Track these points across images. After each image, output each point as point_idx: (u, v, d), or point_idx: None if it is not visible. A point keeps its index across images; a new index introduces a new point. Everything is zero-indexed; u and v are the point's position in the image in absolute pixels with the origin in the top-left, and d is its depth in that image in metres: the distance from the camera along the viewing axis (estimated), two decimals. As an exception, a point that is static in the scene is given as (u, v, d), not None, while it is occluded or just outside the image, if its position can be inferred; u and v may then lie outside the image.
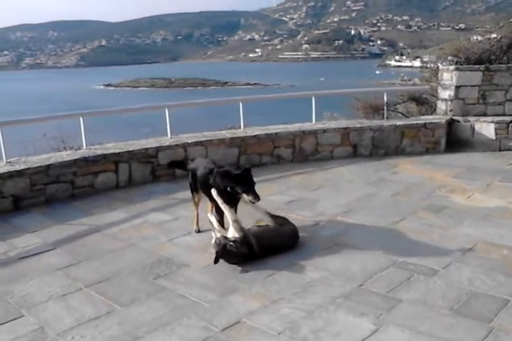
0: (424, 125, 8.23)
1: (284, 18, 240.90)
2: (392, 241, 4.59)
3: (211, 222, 4.50)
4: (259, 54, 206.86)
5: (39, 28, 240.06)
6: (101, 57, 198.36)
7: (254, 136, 7.62)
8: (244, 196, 4.35)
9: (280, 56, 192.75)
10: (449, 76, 8.48)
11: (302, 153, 7.89)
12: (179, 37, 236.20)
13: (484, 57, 9.06)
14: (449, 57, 9.75)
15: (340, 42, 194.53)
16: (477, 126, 8.22)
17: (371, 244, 4.51)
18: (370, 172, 7.14)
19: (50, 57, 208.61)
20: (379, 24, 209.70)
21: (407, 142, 8.20)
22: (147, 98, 58.16)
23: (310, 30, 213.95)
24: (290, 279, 3.89)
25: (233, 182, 4.35)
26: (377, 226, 4.98)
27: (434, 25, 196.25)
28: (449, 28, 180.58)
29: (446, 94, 8.60)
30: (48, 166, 6.08)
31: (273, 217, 4.62)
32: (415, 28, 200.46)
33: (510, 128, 8.07)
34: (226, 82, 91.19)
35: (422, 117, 9.19)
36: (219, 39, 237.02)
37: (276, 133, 7.76)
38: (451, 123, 8.35)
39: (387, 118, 9.10)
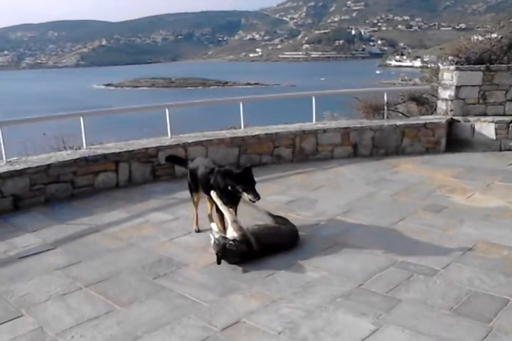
0: (425, 125, 8.24)
1: (284, 18, 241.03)
2: (392, 241, 4.59)
3: (212, 228, 4.53)
4: (260, 54, 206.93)
5: (39, 28, 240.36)
6: (101, 57, 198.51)
7: (255, 135, 7.62)
8: (245, 195, 4.36)
9: (281, 56, 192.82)
10: (449, 76, 8.48)
11: (302, 152, 7.89)
12: (179, 37, 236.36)
13: (485, 57, 9.04)
14: (450, 57, 9.72)
15: (341, 42, 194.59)
16: (477, 126, 8.22)
17: (371, 243, 4.51)
18: (370, 172, 7.14)
19: (51, 57, 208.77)
20: (379, 24, 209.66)
21: (407, 142, 8.20)
22: (147, 98, 58.15)
23: (310, 30, 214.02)
24: (290, 279, 3.88)
25: (234, 180, 4.36)
26: (377, 226, 4.98)
27: (434, 25, 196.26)
28: (450, 28, 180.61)
29: (446, 94, 8.60)
30: (48, 166, 6.08)
31: (273, 217, 4.63)
32: (416, 27, 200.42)
33: (510, 128, 8.07)
34: (226, 82, 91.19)
35: (423, 117, 9.18)
36: (219, 39, 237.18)
37: (276, 133, 7.76)
38: (451, 123, 8.35)
39: (388, 118, 9.10)
